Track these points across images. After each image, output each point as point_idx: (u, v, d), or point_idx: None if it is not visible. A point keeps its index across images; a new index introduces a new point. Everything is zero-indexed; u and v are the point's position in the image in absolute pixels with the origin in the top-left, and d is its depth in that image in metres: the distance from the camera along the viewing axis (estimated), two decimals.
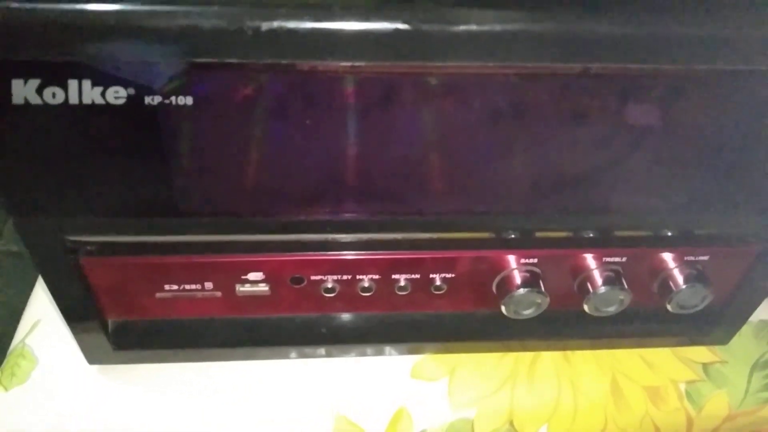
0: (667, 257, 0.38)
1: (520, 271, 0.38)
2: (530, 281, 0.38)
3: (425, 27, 0.25)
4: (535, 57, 0.27)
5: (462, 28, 0.26)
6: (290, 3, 0.25)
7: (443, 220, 0.36)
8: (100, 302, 0.37)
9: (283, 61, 0.26)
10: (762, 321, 0.48)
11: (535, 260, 0.38)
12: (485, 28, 0.26)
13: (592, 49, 0.27)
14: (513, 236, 0.37)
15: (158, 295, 0.37)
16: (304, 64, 0.27)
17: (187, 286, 0.37)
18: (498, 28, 0.26)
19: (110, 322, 0.39)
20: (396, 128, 0.31)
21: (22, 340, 0.44)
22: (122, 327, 0.40)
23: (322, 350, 0.42)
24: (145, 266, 0.35)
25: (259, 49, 0.25)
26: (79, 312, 0.37)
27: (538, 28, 0.26)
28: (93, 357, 0.41)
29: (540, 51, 0.27)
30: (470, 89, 0.30)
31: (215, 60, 0.26)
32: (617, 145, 0.33)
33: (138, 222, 0.33)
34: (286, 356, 0.43)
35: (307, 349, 0.42)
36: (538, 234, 0.37)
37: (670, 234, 0.38)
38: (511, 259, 0.38)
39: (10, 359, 0.43)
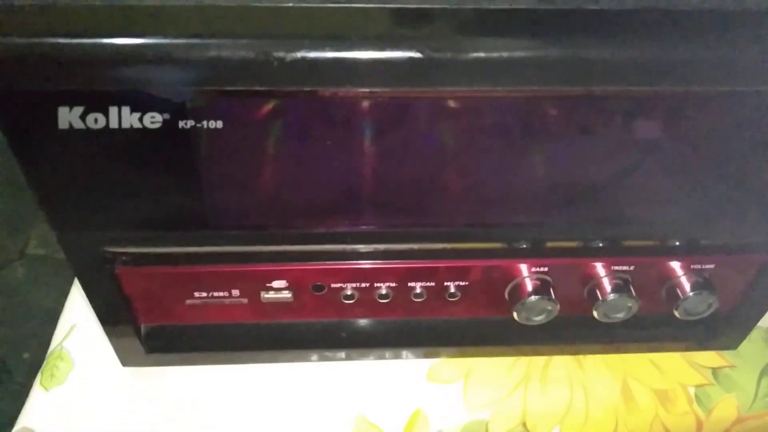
0: (674, 266, 0.40)
1: (531, 279, 0.39)
2: (541, 289, 0.39)
3: (436, 55, 0.27)
4: (539, 81, 0.29)
5: (471, 55, 0.27)
6: (312, 34, 0.27)
7: (457, 231, 0.37)
8: (134, 308, 0.40)
9: (306, 88, 0.28)
10: None
11: (546, 269, 0.39)
12: (493, 55, 0.28)
13: (593, 73, 0.29)
14: (524, 246, 0.39)
15: (188, 301, 0.39)
16: (326, 91, 0.29)
17: (216, 294, 0.39)
18: (505, 54, 0.28)
19: (143, 327, 0.42)
20: (411, 147, 0.32)
21: (60, 343, 0.46)
22: (154, 331, 0.42)
23: (342, 353, 0.44)
24: (176, 275, 0.38)
25: (284, 78, 0.28)
26: (114, 317, 0.40)
27: (541, 54, 0.28)
28: (127, 359, 0.43)
29: (543, 75, 0.29)
30: (482, 111, 0.31)
31: (244, 88, 0.28)
32: (624, 160, 0.35)
33: (170, 235, 0.35)
34: (308, 359, 0.45)
35: (328, 353, 0.44)
36: (549, 244, 0.39)
37: (677, 243, 0.39)
38: (523, 268, 0.39)
39: (49, 361, 0.46)
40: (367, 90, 0.29)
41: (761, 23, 0.29)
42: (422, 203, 0.35)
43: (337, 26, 0.28)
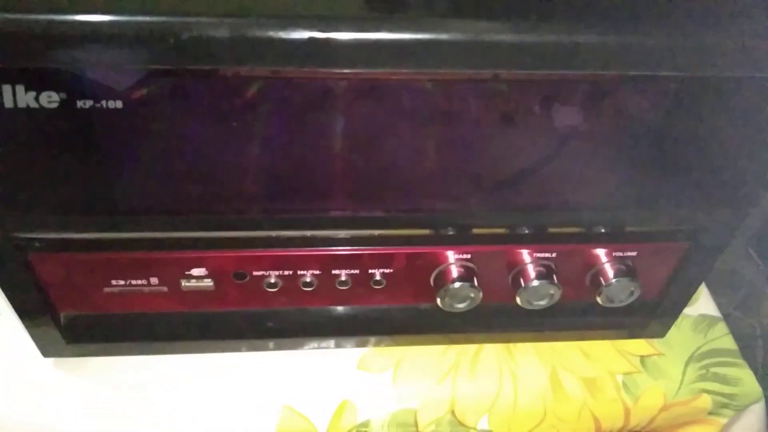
0: (597, 252, 0.40)
1: (455, 266, 0.39)
2: (465, 276, 0.39)
3: (336, 36, 0.27)
4: (447, 65, 0.29)
5: (373, 36, 0.27)
6: (209, 12, 0.27)
7: (380, 217, 0.37)
8: (51, 296, 0.39)
9: (205, 68, 0.28)
10: (701, 315, 0.50)
11: (469, 255, 0.39)
12: (397, 36, 0.27)
13: (502, 57, 0.29)
14: (449, 233, 0.39)
15: (106, 289, 0.39)
16: (227, 70, 0.28)
17: (133, 282, 0.38)
18: (408, 37, 0.27)
19: (62, 316, 0.41)
20: (328, 131, 0.32)
21: None
22: (74, 320, 0.41)
23: (270, 343, 0.44)
24: (90, 262, 0.37)
25: (181, 56, 0.27)
26: (30, 306, 0.39)
27: (452, 36, 0.28)
28: (47, 350, 0.42)
29: (452, 59, 0.28)
30: (399, 95, 0.31)
31: (141, 66, 0.27)
32: (546, 147, 0.35)
33: (81, 219, 0.34)
34: (237, 349, 0.44)
35: (256, 343, 0.44)
36: (474, 231, 0.39)
37: (600, 231, 0.40)
38: (448, 255, 0.39)
39: None
40: (269, 69, 0.28)
41: (671, 10, 0.30)
42: (342, 188, 0.35)
43: (236, 3, 0.27)
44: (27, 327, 0.40)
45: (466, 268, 0.39)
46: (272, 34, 0.27)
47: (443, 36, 0.28)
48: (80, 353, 0.43)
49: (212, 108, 0.30)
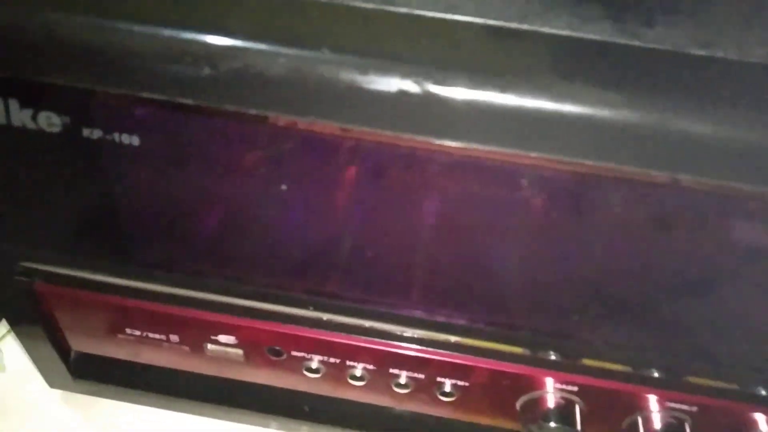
0: (756, 417, 0.29)
1: (554, 397, 0.29)
2: (564, 412, 0.29)
3: (438, 91, 0.18)
4: (607, 158, 0.19)
5: (487, 98, 0.18)
6: (263, 35, 0.18)
7: (462, 325, 0.28)
8: (58, 331, 0.33)
9: (250, 111, 0.20)
10: None
11: (576, 388, 0.29)
12: (534, 105, 0.18)
13: (693, 157, 0.19)
14: (551, 357, 0.29)
15: (120, 336, 0.32)
16: (279, 118, 0.20)
17: (150, 334, 0.31)
18: (554, 107, 0.18)
19: (73, 351, 0.35)
20: (406, 207, 0.23)
21: None
22: (85, 357, 0.35)
23: (304, 427, 0.36)
24: (102, 304, 0.30)
25: (219, 91, 0.19)
26: (33, 338, 0.33)
27: (612, 115, 0.18)
28: (53, 381, 0.36)
29: (615, 151, 0.19)
30: (508, 179, 0.22)
31: (166, 97, 0.20)
32: (714, 268, 0.24)
33: (88, 260, 0.27)
34: (265, 425, 0.36)
35: (288, 423, 0.36)
36: (585, 361, 0.29)
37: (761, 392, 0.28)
38: (546, 382, 0.29)
39: None
40: (338, 125, 0.20)
41: None
42: (417, 284, 0.26)
43: (302, 30, 0.19)
44: (30, 357, 0.34)
45: (567, 401, 0.29)
46: (347, 78, 0.18)
47: (606, 113, 0.18)
48: (88, 391, 0.37)
49: (255, 160, 0.22)
